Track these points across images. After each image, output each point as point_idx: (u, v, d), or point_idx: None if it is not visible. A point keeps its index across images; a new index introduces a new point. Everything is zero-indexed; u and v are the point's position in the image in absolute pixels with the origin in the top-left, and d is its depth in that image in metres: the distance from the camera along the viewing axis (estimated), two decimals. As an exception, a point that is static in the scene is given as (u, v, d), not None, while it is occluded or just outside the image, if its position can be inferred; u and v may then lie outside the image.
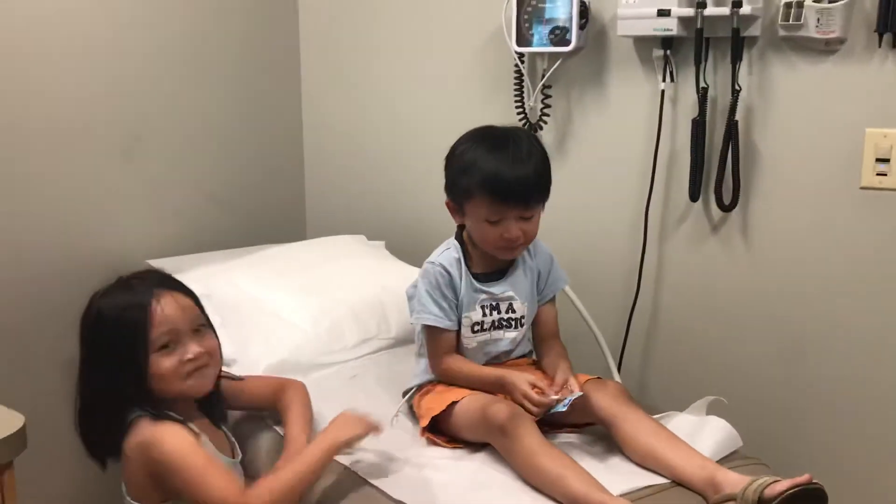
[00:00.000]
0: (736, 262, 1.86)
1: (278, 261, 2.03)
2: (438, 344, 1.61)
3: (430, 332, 1.60)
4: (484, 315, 1.62)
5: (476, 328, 1.62)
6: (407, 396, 1.65)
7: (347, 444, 1.39)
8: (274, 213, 2.49)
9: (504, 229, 1.53)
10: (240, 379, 1.59)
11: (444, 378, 1.61)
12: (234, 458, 1.47)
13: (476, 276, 1.62)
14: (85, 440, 1.48)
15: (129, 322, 1.38)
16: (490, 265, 1.64)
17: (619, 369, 1.99)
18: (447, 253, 1.63)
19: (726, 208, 1.83)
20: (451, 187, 1.60)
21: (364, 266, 2.04)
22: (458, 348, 1.63)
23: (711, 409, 1.56)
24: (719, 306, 1.90)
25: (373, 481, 1.37)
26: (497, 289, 1.62)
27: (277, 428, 1.53)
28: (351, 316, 1.87)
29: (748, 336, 1.87)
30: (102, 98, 2.04)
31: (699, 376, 1.92)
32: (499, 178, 1.50)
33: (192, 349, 1.40)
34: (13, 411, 1.36)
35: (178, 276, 1.91)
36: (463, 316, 1.61)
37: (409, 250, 2.18)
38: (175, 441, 1.32)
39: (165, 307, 1.39)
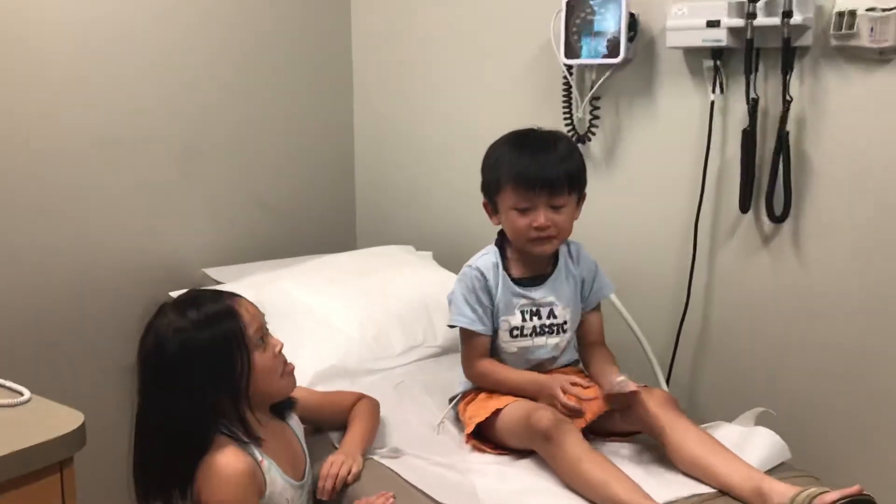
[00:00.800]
0: (787, 273, 1.84)
1: (328, 269, 2.07)
2: (472, 347, 1.63)
3: (464, 335, 1.63)
4: (524, 320, 1.63)
5: (515, 333, 1.63)
6: (452, 403, 1.66)
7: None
8: (325, 223, 2.54)
9: (533, 217, 1.55)
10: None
11: (477, 382, 1.63)
12: (302, 478, 1.43)
13: (515, 281, 1.63)
14: (147, 480, 1.41)
15: (223, 330, 1.33)
16: (530, 269, 1.65)
17: (667, 381, 1.97)
18: (485, 257, 1.65)
19: (777, 219, 1.81)
20: (484, 185, 1.64)
21: (411, 275, 2.07)
22: (497, 354, 1.64)
23: (760, 422, 1.54)
24: (770, 318, 1.87)
25: (418, 485, 1.38)
26: (537, 293, 1.63)
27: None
28: (398, 324, 1.90)
29: (799, 349, 1.84)
30: (161, 110, 2.12)
31: (749, 389, 1.90)
32: (524, 164, 1.55)
33: (278, 343, 1.41)
34: (73, 410, 1.40)
35: (232, 285, 1.98)
36: (501, 320, 1.62)
37: (456, 261, 2.17)
38: (224, 486, 1.29)
39: (247, 306, 1.40)
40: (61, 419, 1.37)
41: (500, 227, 1.66)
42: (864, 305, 1.74)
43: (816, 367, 1.82)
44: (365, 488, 1.39)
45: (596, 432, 1.52)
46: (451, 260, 2.24)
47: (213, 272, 2.12)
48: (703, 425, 1.52)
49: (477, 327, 1.61)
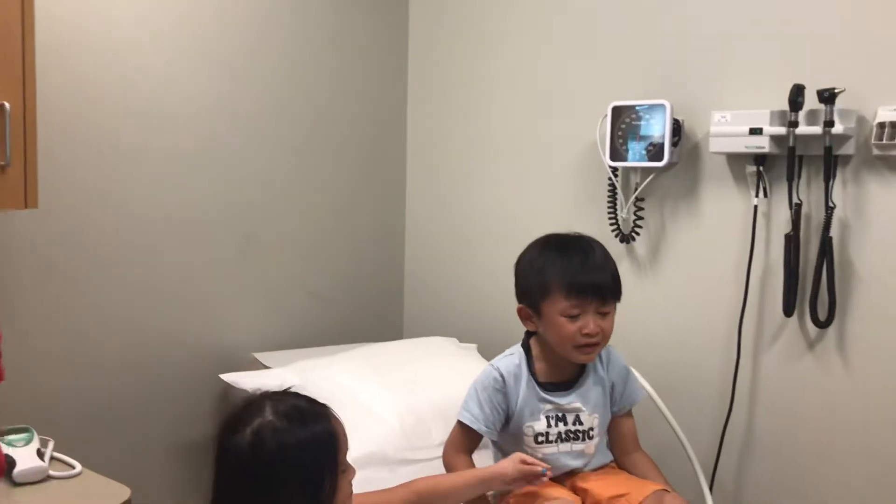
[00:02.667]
0: (833, 380, 1.82)
1: (372, 357, 2.11)
2: (460, 438, 1.63)
3: (461, 426, 1.63)
4: (549, 426, 1.61)
5: (540, 439, 1.61)
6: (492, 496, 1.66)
7: (506, 480, 1.47)
8: (373, 313, 2.60)
9: (583, 324, 1.55)
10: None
11: (445, 467, 1.63)
12: None
13: (542, 385, 1.62)
14: None
15: (323, 445, 1.25)
16: (557, 375, 1.64)
17: (711, 486, 1.94)
18: (508, 359, 1.66)
19: (822, 325, 1.80)
20: (525, 292, 1.64)
21: (454, 366, 2.09)
22: (520, 451, 1.58)
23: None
24: (815, 425, 1.85)
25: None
26: (563, 400, 1.63)
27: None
28: (438, 414, 1.91)
29: (844, 457, 1.81)
30: (226, 198, 2.21)
31: (795, 497, 1.85)
32: (576, 272, 1.56)
33: (354, 470, 1.33)
34: (121, 484, 1.45)
35: (280, 369, 2.03)
36: (525, 426, 1.61)
37: (500, 353, 2.22)
38: None
39: (341, 425, 1.32)
40: (110, 492, 1.42)
41: (526, 330, 1.66)
42: (912, 415, 1.71)
43: (863, 476, 1.78)
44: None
45: None
46: (494, 352, 2.25)
47: (262, 356, 2.18)
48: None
49: (476, 426, 1.60)
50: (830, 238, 1.77)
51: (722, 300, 1.97)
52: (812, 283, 1.80)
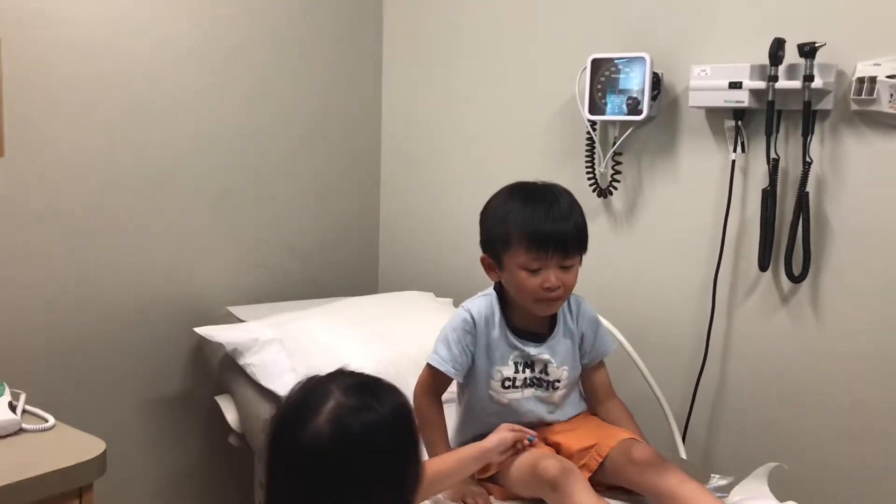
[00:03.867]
0: (806, 333, 1.85)
1: (349, 311, 2.10)
2: (429, 380, 1.59)
3: (429, 368, 1.60)
4: (516, 371, 1.59)
5: (507, 384, 1.59)
6: None
7: (494, 450, 1.45)
8: (348, 267, 2.58)
9: (544, 278, 1.50)
10: None
11: (416, 412, 1.55)
12: None
13: (515, 332, 1.59)
14: None
15: (408, 428, 1.10)
16: (529, 324, 1.61)
17: (684, 437, 1.97)
18: (481, 300, 1.61)
19: (796, 279, 1.82)
20: (487, 240, 1.59)
21: (430, 320, 2.07)
22: (487, 405, 1.60)
23: (773, 476, 1.53)
24: (788, 378, 1.88)
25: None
26: (533, 350, 1.59)
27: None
28: (415, 366, 1.90)
29: (816, 409, 1.84)
30: (197, 152, 2.17)
31: (765, 447, 1.89)
32: (538, 224, 1.49)
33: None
34: (96, 438, 1.44)
35: (256, 323, 2.01)
36: (494, 369, 1.58)
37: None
38: None
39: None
40: (84, 446, 1.41)
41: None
42: (881, 366, 1.74)
43: (833, 427, 1.82)
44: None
45: (602, 484, 1.51)
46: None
47: (236, 310, 2.15)
48: (718, 480, 1.52)
49: (445, 368, 1.57)
50: (807, 193, 1.78)
51: (698, 254, 1.98)
52: (787, 238, 1.81)
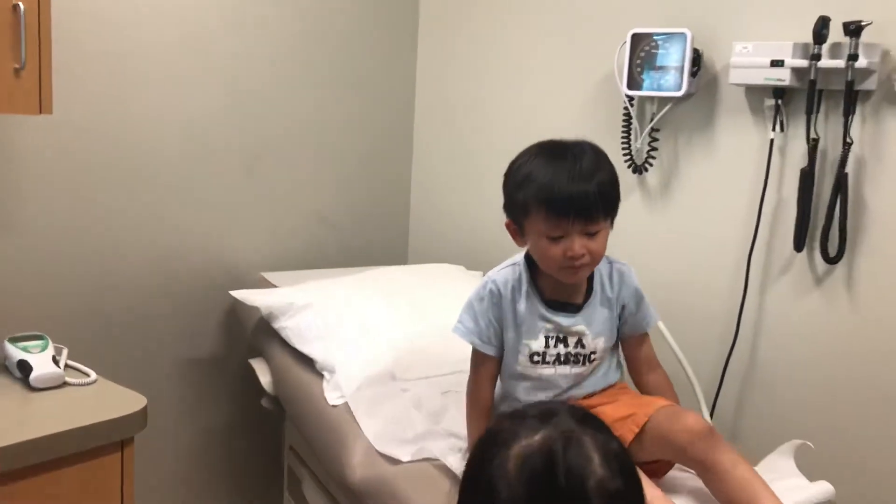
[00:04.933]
0: (839, 315, 1.84)
1: (381, 281, 2.12)
2: (476, 364, 1.52)
3: (474, 352, 1.52)
4: (547, 346, 1.49)
5: (536, 359, 1.49)
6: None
7: None
8: (378, 238, 2.60)
9: (566, 246, 1.39)
10: None
11: (467, 399, 1.53)
12: None
13: (546, 303, 1.50)
14: None
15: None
16: (564, 294, 1.51)
17: (711, 414, 1.97)
18: (507, 270, 1.51)
19: (831, 261, 1.81)
20: (508, 205, 1.49)
21: (462, 293, 2.09)
22: (514, 378, 1.53)
23: (799, 455, 1.53)
24: (818, 358, 1.87)
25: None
26: (567, 321, 1.49)
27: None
28: (444, 339, 1.91)
29: (847, 392, 1.84)
30: (234, 121, 2.20)
31: (794, 428, 1.89)
32: (557, 187, 1.37)
33: None
34: (137, 393, 1.47)
35: (289, 289, 2.03)
36: (522, 343, 1.49)
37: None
38: None
39: None
40: (125, 401, 1.44)
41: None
42: (915, 351, 1.74)
43: (863, 411, 1.81)
44: (409, 491, 1.42)
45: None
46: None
47: (270, 276, 2.18)
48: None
49: (472, 339, 1.49)
50: (846, 174, 1.76)
51: (732, 233, 1.97)
52: (824, 219, 1.80)
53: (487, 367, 1.53)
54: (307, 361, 1.84)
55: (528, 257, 1.54)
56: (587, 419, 0.90)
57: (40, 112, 1.47)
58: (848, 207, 1.78)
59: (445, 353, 1.83)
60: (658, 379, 1.62)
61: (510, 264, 1.54)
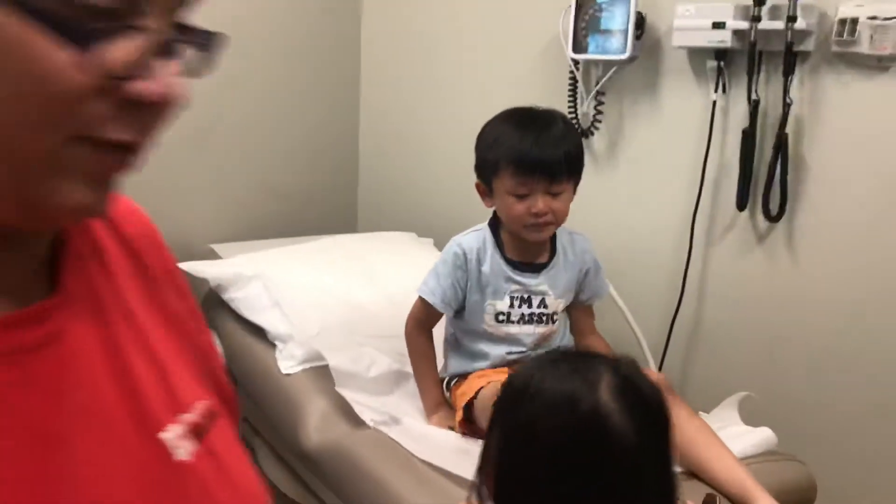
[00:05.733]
0: (780, 272, 1.89)
1: (333, 250, 2.12)
2: (419, 312, 1.61)
3: (420, 299, 1.61)
4: (511, 306, 1.58)
5: (501, 318, 1.58)
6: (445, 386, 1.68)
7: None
8: (327, 207, 2.59)
9: (531, 204, 1.48)
10: None
11: (406, 341, 1.63)
12: None
13: (510, 263, 1.58)
14: None
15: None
16: (528, 254, 1.60)
17: (659, 371, 2.02)
18: (472, 235, 1.59)
19: (773, 219, 1.86)
20: (478, 166, 1.57)
21: (412, 261, 2.11)
22: (479, 336, 1.60)
23: (743, 406, 1.58)
24: (762, 314, 1.93)
25: (417, 454, 1.43)
26: (532, 281, 1.58)
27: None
28: (394, 306, 1.91)
29: (788, 345, 1.90)
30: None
31: (738, 382, 1.94)
32: (525, 148, 1.47)
33: None
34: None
35: (238, 258, 2.02)
36: (487, 304, 1.58)
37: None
38: None
39: None
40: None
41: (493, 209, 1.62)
42: (854, 304, 1.80)
43: (804, 363, 1.88)
44: (365, 456, 1.43)
45: None
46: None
47: (219, 247, 2.16)
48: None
49: (433, 300, 1.57)
50: (786, 134, 1.80)
51: (677, 193, 2.01)
52: (766, 178, 1.84)
53: (433, 320, 1.64)
54: (258, 332, 1.84)
55: (492, 224, 1.62)
56: (620, 367, 0.91)
57: None
58: (788, 166, 1.82)
59: (400, 317, 1.83)
60: (599, 341, 1.71)
61: (475, 230, 1.62)
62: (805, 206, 1.84)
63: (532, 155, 1.47)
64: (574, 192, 1.56)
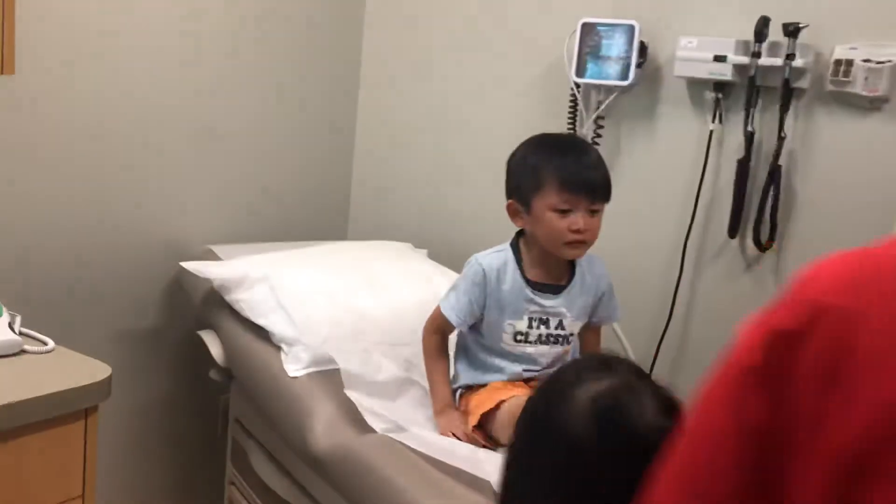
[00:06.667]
0: (767, 299, 1.95)
1: (334, 256, 2.14)
2: (439, 320, 1.66)
3: (440, 312, 1.66)
4: (530, 327, 1.63)
5: (519, 338, 1.63)
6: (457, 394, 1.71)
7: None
8: (319, 212, 2.61)
9: (572, 221, 1.56)
10: None
11: (423, 345, 1.69)
12: None
13: (530, 284, 1.64)
14: None
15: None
16: (548, 276, 1.66)
17: (645, 390, 2.08)
18: (495, 255, 1.65)
19: (763, 247, 1.93)
20: (516, 186, 1.64)
21: (413, 270, 2.15)
22: (498, 353, 1.65)
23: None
24: (747, 339, 1.99)
25: (427, 453, 1.47)
26: (550, 302, 1.64)
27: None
28: (395, 316, 1.94)
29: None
30: (177, 93, 2.17)
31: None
32: (572, 168, 1.58)
33: None
34: (101, 362, 1.46)
35: (242, 260, 2.02)
36: (507, 323, 1.63)
37: (449, 260, 2.28)
38: None
39: None
40: (88, 370, 1.42)
41: (517, 230, 1.68)
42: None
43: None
44: (375, 459, 1.46)
45: None
46: (444, 260, 2.32)
47: (218, 249, 2.17)
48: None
49: (449, 315, 1.63)
50: (779, 166, 1.88)
51: (670, 219, 2.07)
52: (757, 208, 1.92)
53: (450, 328, 1.69)
54: (262, 334, 1.85)
55: (513, 244, 1.67)
56: (643, 372, 0.98)
57: (2, 72, 1.43)
58: (780, 198, 1.90)
59: (400, 326, 1.87)
60: None
61: (497, 250, 1.67)
62: (794, 237, 1.91)
63: (578, 174, 1.58)
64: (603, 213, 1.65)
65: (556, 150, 1.61)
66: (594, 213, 1.60)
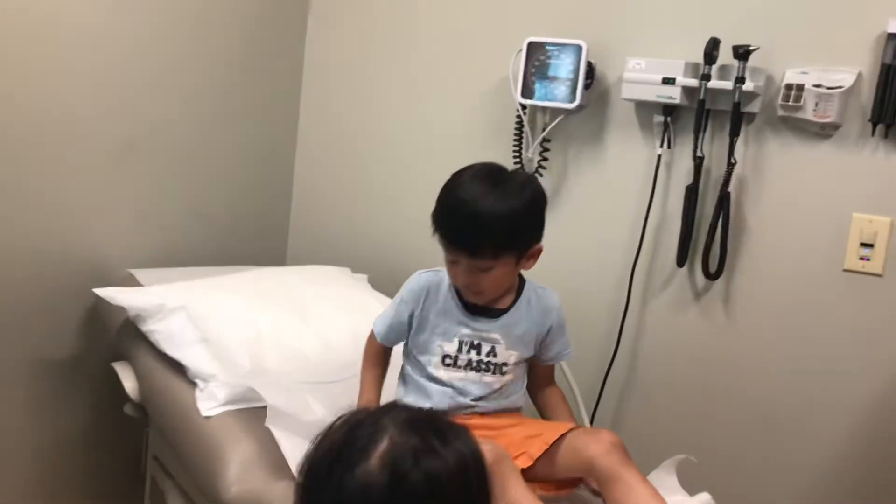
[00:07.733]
0: (715, 330, 1.89)
1: (263, 283, 2.01)
2: (371, 342, 1.60)
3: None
4: (459, 350, 1.51)
5: (448, 361, 1.51)
6: None
7: None
8: (256, 237, 2.49)
9: (459, 271, 1.44)
10: None
11: (364, 354, 1.61)
12: None
13: (465, 306, 1.51)
14: None
15: (475, 478, 0.93)
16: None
17: (591, 423, 1.99)
18: (431, 273, 1.55)
19: (711, 276, 1.86)
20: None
21: (347, 296, 2.04)
22: (426, 379, 1.53)
23: (681, 469, 1.55)
24: (695, 372, 1.92)
25: None
26: (484, 326, 1.51)
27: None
28: (325, 345, 1.84)
29: (721, 404, 1.89)
30: (98, 103, 2.03)
31: (671, 438, 1.93)
32: (450, 218, 1.42)
33: None
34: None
35: (160, 287, 1.90)
36: (435, 344, 1.52)
37: (391, 286, 2.17)
38: None
39: None
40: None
41: None
42: (786, 363, 1.81)
43: (736, 421, 1.87)
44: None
45: (532, 478, 1.43)
46: (384, 285, 2.21)
47: (139, 273, 2.04)
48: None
49: (375, 326, 1.57)
50: (728, 194, 1.81)
51: (618, 245, 1.99)
52: (707, 236, 1.84)
53: (377, 347, 1.60)
54: (178, 368, 1.72)
55: None
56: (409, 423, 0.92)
57: None
58: (729, 226, 1.83)
59: (331, 361, 1.75)
60: (555, 392, 1.65)
61: (434, 270, 1.57)
62: (744, 266, 1.85)
63: (453, 227, 1.42)
64: (518, 264, 1.48)
65: (454, 198, 1.42)
66: (484, 269, 1.43)
